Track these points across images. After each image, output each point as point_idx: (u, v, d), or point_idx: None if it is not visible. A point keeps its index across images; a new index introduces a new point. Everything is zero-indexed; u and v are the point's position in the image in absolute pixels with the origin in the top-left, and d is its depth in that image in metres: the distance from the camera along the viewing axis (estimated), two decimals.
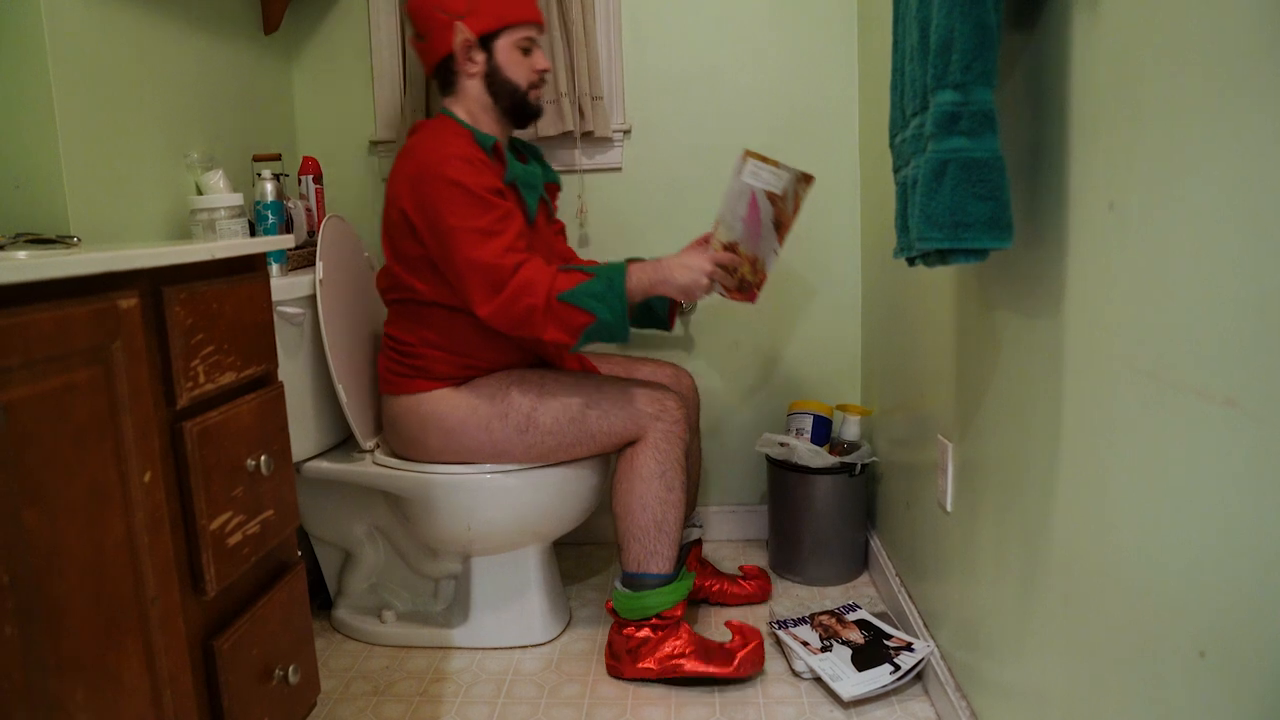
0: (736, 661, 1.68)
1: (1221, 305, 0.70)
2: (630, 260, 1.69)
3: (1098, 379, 0.93)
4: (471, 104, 1.78)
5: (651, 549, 1.71)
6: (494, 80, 1.76)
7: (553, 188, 1.95)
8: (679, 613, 1.73)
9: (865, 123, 2.18)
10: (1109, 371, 0.90)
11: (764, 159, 1.65)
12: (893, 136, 1.33)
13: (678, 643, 1.71)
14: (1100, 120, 0.91)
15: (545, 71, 1.80)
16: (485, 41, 1.74)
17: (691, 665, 1.69)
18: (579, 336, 1.63)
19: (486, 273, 1.62)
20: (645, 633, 1.72)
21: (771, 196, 1.66)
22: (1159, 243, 0.79)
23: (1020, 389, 1.17)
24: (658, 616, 1.72)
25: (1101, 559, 0.93)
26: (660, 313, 1.90)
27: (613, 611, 1.76)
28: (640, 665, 1.72)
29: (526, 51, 1.78)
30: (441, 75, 1.79)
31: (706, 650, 1.70)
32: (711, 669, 1.68)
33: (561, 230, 2.00)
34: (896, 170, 1.31)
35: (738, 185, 1.66)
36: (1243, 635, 0.69)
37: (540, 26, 1.80)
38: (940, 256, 1.12)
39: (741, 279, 1.71)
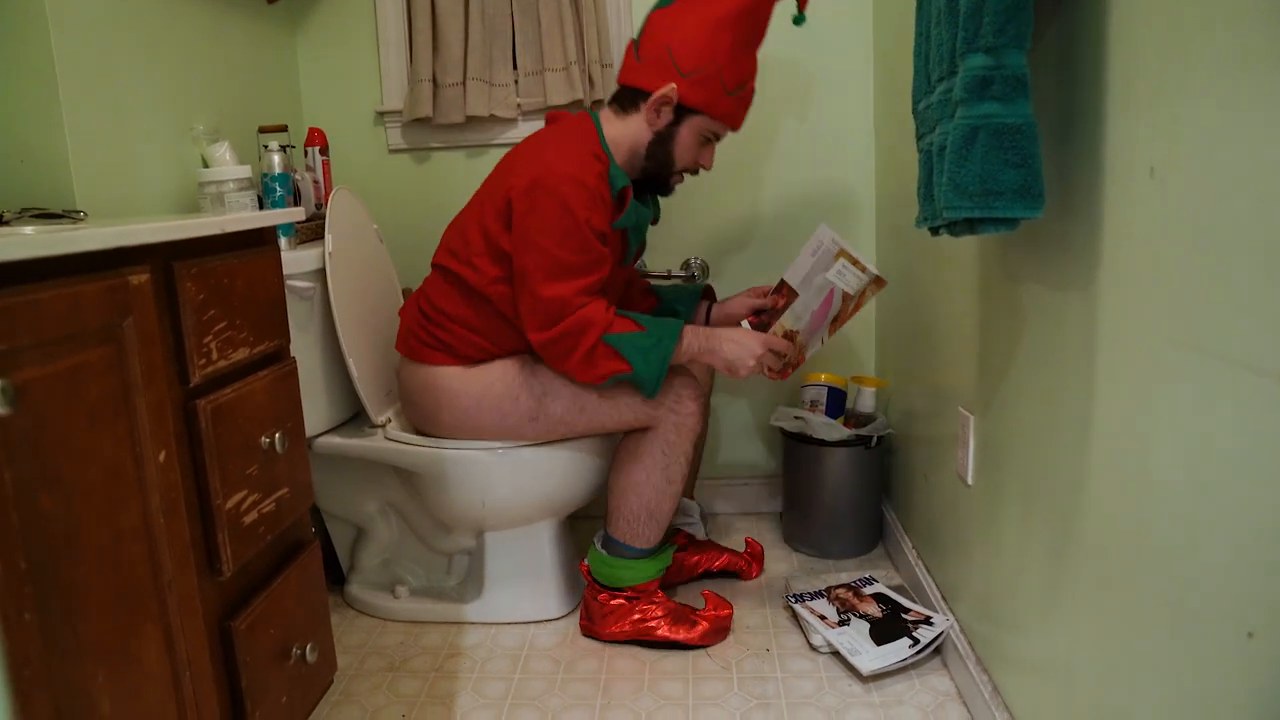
0: (699, 629, 1.73)
1: (1276, 276, 0.67)
2: (688, 322, 1.71)
3: (1137, 353, 0.90)
4: (625, 136, 1.72)
5: (637, 530, 1.73)
6: (660, 144, 1.71)
7: (652, 221, 1.91)
8: (653, 587, 1.76)
9: (880, 89, 2.14)
10: (1150, 345, 0.87)
11: (855, 261, 1.64)
12: (916, 102, 1.30)
13: (652, 609, 1.75)
14: (1141, 81, 0.88)
15: (704, 168, 1.77)
16: (681, 109, 1.68)
17: (664, 630, 1.73)
18: (606, 381, 1.63)
19: (553, 305, 1.59)
20: (620, 601, 1.76)
21: (845, 296, 1.67)
22: (1206, 210, 0.77)
23: (1049, 361, 1.14)
24: (632, 589, 1.75)
25: (1140, 534, 0.91)
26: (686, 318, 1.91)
27: (588, 574, 1.79)
28: (613, 629, 1.77)
29: (705, 141, 1.73)
30: (626, 95, 1.72)
31: (678, 616, 1.75)
32: (678, 635, 1.73)
33: (640, 252, 1.94)
34: (920, 137, 1.27)
35: (821, 280, 1.67)
36: None
37: (735, 130, 1.75)
38: (968, 226, 1.09)
39: (786, 363, 1.72)
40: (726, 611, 1.76)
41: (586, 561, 1.80)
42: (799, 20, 1.78)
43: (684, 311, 1.92)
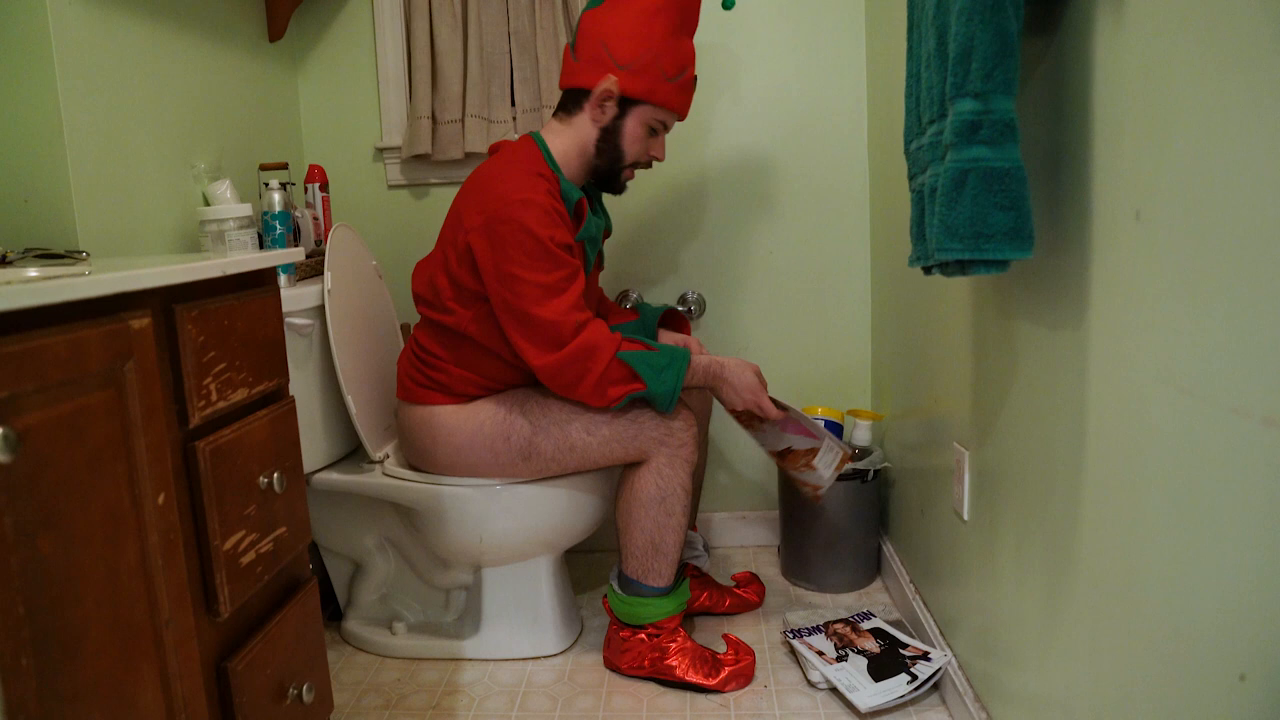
0: (723, 675, 1.71)
1: (1260, 319, 0.68)
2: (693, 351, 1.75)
3: (1126, 393, 0.91)
4: (573, 142, 1.74)
5: (647, 566, 1.73)
6: (608, 139, 1.73)
7: (605, 234, 1.93)
8: (674, 624, 1.75)
9: (874, 127, 2.17)
10: (1138, 385, 0.88)
11: (839, 465, 1.80)
12: (908, 143, 1.31)
13: (673, 647, 1.73)
14: (1126, 125, 0.90)
15: (656, 160, 1.79)
16: (624, 101, 1.71)
17: (682, 671, 1.72)
18: (620, 402, 1.64)
19: (548, 329, 1.60)
20: (641, 637, 1.75)
21: (809, 448, 1.81)
22: (1190, 252, 0.78)
23: (1041, 399, 1.15)
24: (653, 626, 1.73)
25: (1132, 573, 0.92)
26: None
27: (609, 610, 1.79)
28: (634, 665, 1.76)
29: (653, 132, 1.76)
30: (569, 98, 1.75)
31: (700, 658, 1.73)
32: (698, 678, 1.71)
33: (602, 267, 1.98)
34: (912, 178, 1.29)
35: (811, 427, 1.77)
36: None
37: (681, 119, 1.78)
38: (960, 267, 1.11)
39: (802, 462, 1.82)
40: (749, 659, 1.74)
41: (606, 599, 1.80)
42: (728, 4, 1.82)
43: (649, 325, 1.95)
